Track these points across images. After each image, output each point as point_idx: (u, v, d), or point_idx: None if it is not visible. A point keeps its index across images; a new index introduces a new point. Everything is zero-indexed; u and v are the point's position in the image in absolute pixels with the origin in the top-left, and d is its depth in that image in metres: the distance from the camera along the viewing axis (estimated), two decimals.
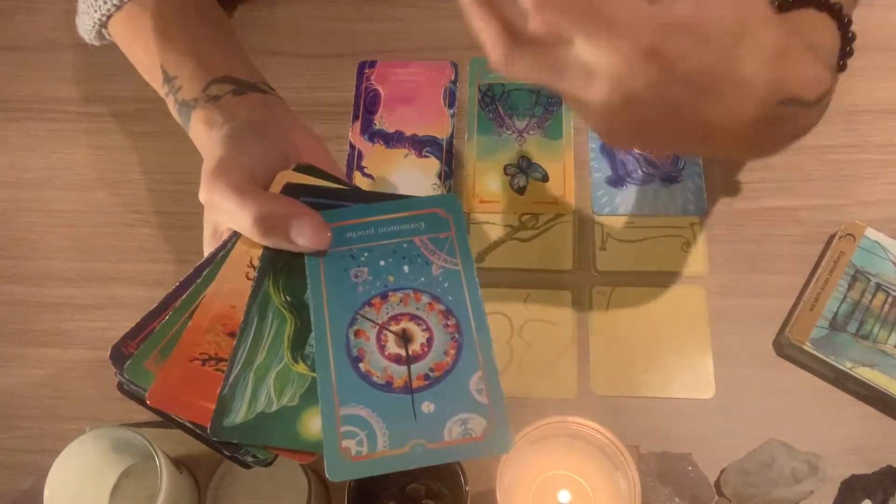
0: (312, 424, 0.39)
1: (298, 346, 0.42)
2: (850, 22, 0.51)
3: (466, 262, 0.43)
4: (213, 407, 0.40)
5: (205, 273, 0.43)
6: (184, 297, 0.43)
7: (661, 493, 0.55)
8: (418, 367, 0.40)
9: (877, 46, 0.69)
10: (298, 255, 0.44)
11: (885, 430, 0.57)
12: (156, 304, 0.43)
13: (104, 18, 0.60)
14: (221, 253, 0.44)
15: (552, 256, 0.63)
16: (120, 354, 0.41)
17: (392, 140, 0.69)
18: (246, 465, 0.41)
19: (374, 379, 0.40)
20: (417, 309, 0.42)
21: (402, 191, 0.66)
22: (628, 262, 0.63)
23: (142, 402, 0.41)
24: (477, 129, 0.69)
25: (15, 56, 0.74)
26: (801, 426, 0.57)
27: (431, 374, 0.40)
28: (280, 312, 0.42)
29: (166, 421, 0.41)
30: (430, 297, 0.42)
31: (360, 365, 0.40)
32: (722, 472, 0.56)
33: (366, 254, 0.43)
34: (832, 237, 0.62)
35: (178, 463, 0.54)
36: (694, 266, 0.63)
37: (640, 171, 0.66)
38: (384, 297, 0.42)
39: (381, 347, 0.41)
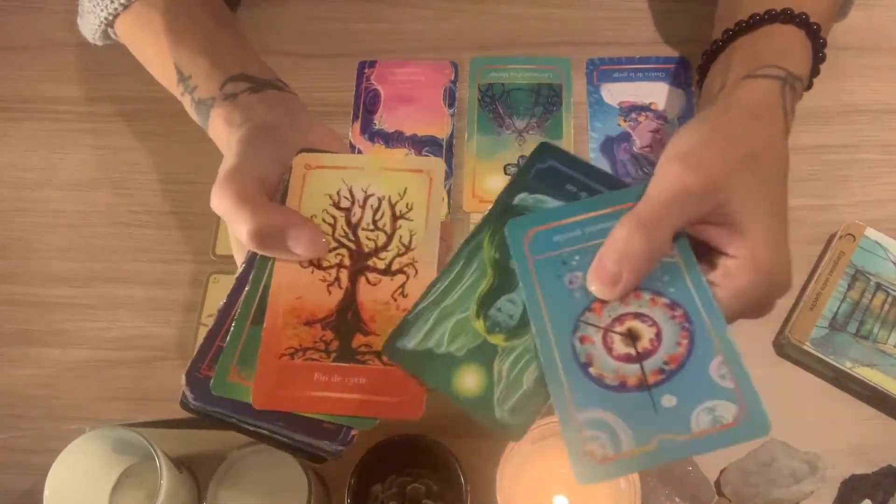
0: (467, 381, 0.41)
1: (487, 304, 0.42)
2: (819, 29, 0.53)
3: (684, 252, 0.42)
4: (318, 394, 0.41)
5: (251, 278, 0.45)
6: (238, 305, 0.44)
7: (661, 493, 0.55)
8: (651, 363, 0.39)
9: (877, 46, 0.69)
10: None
11: (885, 430, 0.57)
12: (211, 324, 0.44)
13: (111, 18, 0.60)
14: (254, 267, 0.45)
15: None
16: (196, 380, 0.42)
17: (392, 140, 0.69)
18: (319, 459, 0.43)
19: (607, 381, 0.39)
20: (640, 307, 0.41)
21: None
22: None
23: (221, 419, 0.42)
24: (477, 129, 0.69)
25: (15, 56, 0.74)
26: (801, 426, 0.57)
27: (666, 368, 0.39)
28: (484, 266, 0.43)
29: (236, 430, 0.43)
30: (651, 293, 0.41)
31: (591, 370, 0.39)
32: (722, 472, 0.56)
33: (577, 258, 0.42)
34: (832, 237, 0.62)
35: (178, 463, 0.54)
36: None
37: (640, 172, 0.66)
38: (603, 301, 0.41)
39: (609, 349, 0.40)
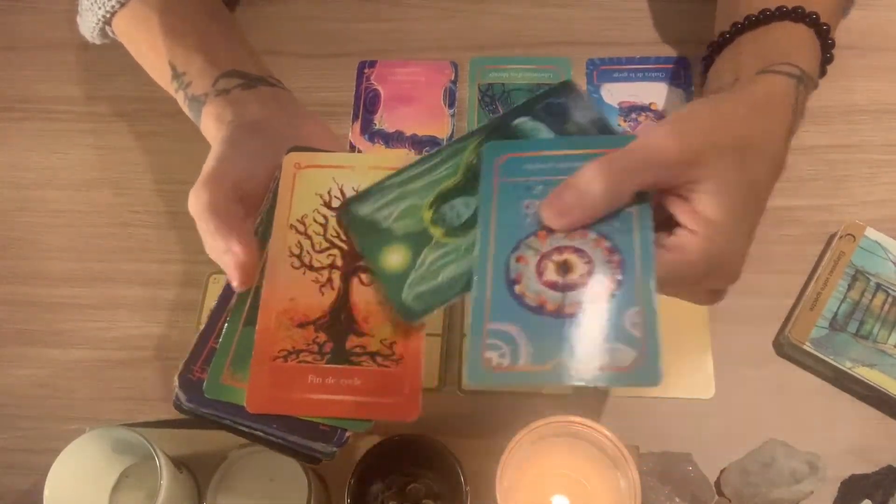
0: (393, 257, 0.43)
1: (443, 199, 0.44)
2: (828, 29, 0.53)
3: (643, 209, 0.42)
4: (312, 397, 0.42)
5: None
6: (230, 309, 0.44)
7: (661, 493, 0.55)
8: (573, 295, 0.40)
9: (877, 46, 0.69)
10: (518, 136, 0.46)
11: (885, 430, 0.57)
12: (204, 326, 0.44)
13: (108, 16, 0.61)
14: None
15: None
16: (190, 382, 0.42)
17: (392, 140, 0.69)
18: (315, 460, 0.42)
19: (527, 300, 0.40)
20: (582, 244, 0.41)
21: None
22: None
23: (215, 421, 0.42)
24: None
25: (15, 56, 0.74)
26: (801, 426, 0.57)
27: (585, 303, 0.39)
28: (457, 167, 0.45)
29: (229, 430, 0.43)
30: (597, 234, 0.41)
31: (516, 287, 0.40)
32: (722, 472, 0.56)
33: (540, 187, 0.43)
34: (832, 237, 0.62)
35: (178, 463, 0.54)
36: None
37: None
38: (551, 230, 0.42)
39: (540, 274, 0.41)
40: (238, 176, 0.47)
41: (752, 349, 0.60)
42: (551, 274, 0.40)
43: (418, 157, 0.45)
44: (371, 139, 0.69)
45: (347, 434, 0.42)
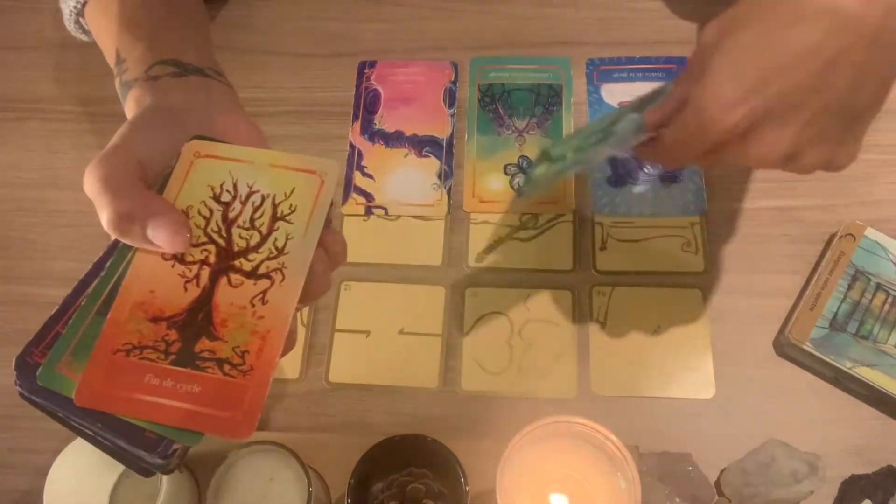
0: (539, 169, 0.57)
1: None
2: None
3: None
4: (144, 398, 0.39)
5: (107, 265, 0.42)
6: (87, 294, 0.41)
7: (661, 493, 0.55)
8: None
9: None
10: None
11: (885, 430, 0.57)
12: (54, 310, 0.41)
13: (79, 6, 0.61)
14: (114, 253, 0.43)
15: (552, 256, 0.63)
16: (26, 364, 0.39)
17: (392, 140, 0.69)
18: (145, 472, 0.40)
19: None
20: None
21: (399, 192, 0.66)
22: (628, 261, 0.63)
23: (50, 412, 0.40)
24: (477, 129, 0.69)
25: (15, 56, 0.74)
26: (801, 426, 0.57)
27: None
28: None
29: (71, 430, 0.40)
30: None
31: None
32: (722, 472, 0.56)
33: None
34: (832, 237, 0.62)
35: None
36: (694, 266, 0.63)
37: (640, 171, 0.66)
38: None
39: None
40: (138, 157, 0.44)
41: (752, 349, 0.60)
42: None
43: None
44: (371, 139, 0.69)
45: (176, 446, 0.39)
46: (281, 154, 0.45)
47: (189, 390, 0.39)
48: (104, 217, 0.42)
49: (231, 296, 0.41)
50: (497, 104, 0.70)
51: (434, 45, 0.72)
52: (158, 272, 0.41)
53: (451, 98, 0.70)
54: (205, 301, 0.41)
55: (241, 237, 0.43)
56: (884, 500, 0.54)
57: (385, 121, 0.69)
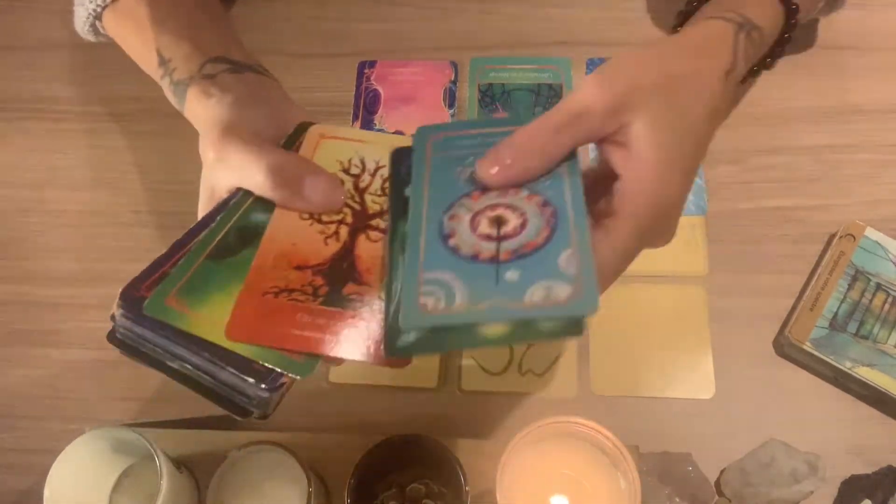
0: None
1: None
2: None
3: (572, 169, 0.43)
4: (297, 332, 0.40)
5: (219, 218, 0.44)
6: (198, 240, 0.43)
7: (661, 493, 0.55)
8: (508, 244, 0.40)
9: (877, 46, 0.70)
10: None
11: (885, 430, 0.57)
12: (165, 251, 0.43)
13: (98, 10, 0.61)
14: (226, 208, 0.45)
15: None
16: (132, 297, 0.41)
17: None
18: (245, 413, 0.41)
19: (461, 252, 0.40)
20: (516, 200, 0.42)
21: None
22: None
23: (147, 349, 0.41)
24: None
25: (15, 56, 0.74)
26: (801, 426, 0.57)
27: (520, 250, 0.40)
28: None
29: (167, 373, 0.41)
30: (529, 191, 0.42)
31: (450, 241, 0.41)
32: (722, 472, 0.56)
33: (471, 158, 0.44)
34: (832, 237, 0.62)
35: (178, 463, 0.54)
36: (694, 266, 0.63)
37: None
38: (483, 191, 0.42)
39: (474, 229, 0.41)
40: (256, 127, 0.47)
41: (752, 349, 0.60)
42: (485, 228, 0.41)
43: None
44: None
45: (284, 379, 0.40)
46: (398, 137, 0.49)
47: (340, 322, 0.41)
48: (261, 170, 0.44)
49: (372, 249, 0.44)
50: (497, 104, 0.70)
51: (434, 45, 0.72)
52: (298, 229, 0.44)
53: (451, 98, 0.70)
54: (347, 252, 0.44)
55: (374, 202, 0.46)
56: (884, 500, 0.54)
57: (385, 121, 0.69)
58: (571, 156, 0.43)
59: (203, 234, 0.43)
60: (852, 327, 0.58)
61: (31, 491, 0.58)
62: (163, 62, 0.55)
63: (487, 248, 0.40)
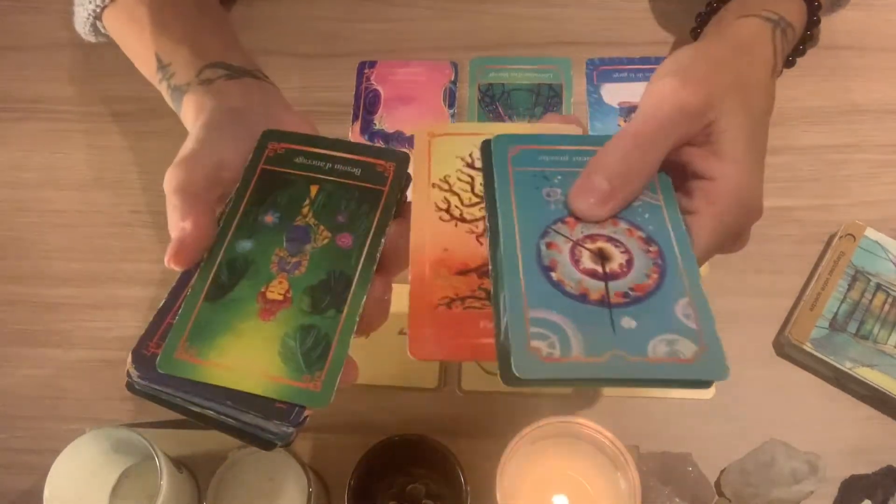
0: None
1: None
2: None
3: (668, 198, 0.41)
4: (483, 341, 0.38)
5: (209, 253, 0.43)
6: (191, 284, 0.43)
7: (661, 493, 0.55)
8: (617, 285, 0.37)
9: (877, 46, 0.70)
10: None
11: (885, 430, 0.57)
12: (163, 301, 0.43)
13: (98, 10, 0.61)
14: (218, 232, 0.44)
15: None
16: (143, 357, 0.41)
17: (392, 140, 0.69)
18: (269, 445, 0.41)
19: (568, 289, 0.37)
20: (615, 232, 0.39)
21: None
22: None
23: (167, 399, 0.41)
24: None
25: (15, 56, 0.74)
26: (801, 426, 0.57)
27: (632, 294, 0.37)
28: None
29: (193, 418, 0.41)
30: (628, 223, 0.39)
31: (553, 274, 0.38)
32: (722, 472, 0.56)
33: (559, 177, 0.41)
34: (832, 237, 0.62)
35: (178, 463, 0.54)
36: None
37: None
38: (579, 218, 0.39)
39: (576, 262, 0.38)
40: (216, 159, 0.46)
41: (752, 349, 0.60)
42: (588, 262, 0.38)
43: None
44: (371, 139, 0.69)
45: (306, 413, 0.40)
46: (514, 126, 0.48)
47: None
48: (171, 227, 0.43)
49: None
50: (497, 104, 0.70)
51: (434, 45, 0.72)
52: (444, 233, 0.42)
53: (451, 98, 0.70)
54: None
55: None
56: (884, 500, 0.54)
57: (385, 121, 0.69)
58: (666, 186, 0.41)
59: (195, 276, 0.43)
60: (852, 327, 0.58)
61: (31, 491, 0.58)
62: (162, 66, 0.55)
63: (596, 288, 0.37)
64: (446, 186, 0.44)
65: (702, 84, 0.42)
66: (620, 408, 0.59)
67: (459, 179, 0.44)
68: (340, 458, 0.51)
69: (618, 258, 0.38)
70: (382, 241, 0.44)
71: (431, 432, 0.52)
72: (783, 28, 0.51)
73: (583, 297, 0.37)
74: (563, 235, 0.39)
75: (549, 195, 0.41)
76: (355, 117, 0.70)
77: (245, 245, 0.44)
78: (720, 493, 0.56)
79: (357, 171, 0.46)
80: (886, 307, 0.58)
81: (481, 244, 0.41)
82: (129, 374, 0.41)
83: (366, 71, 0.71)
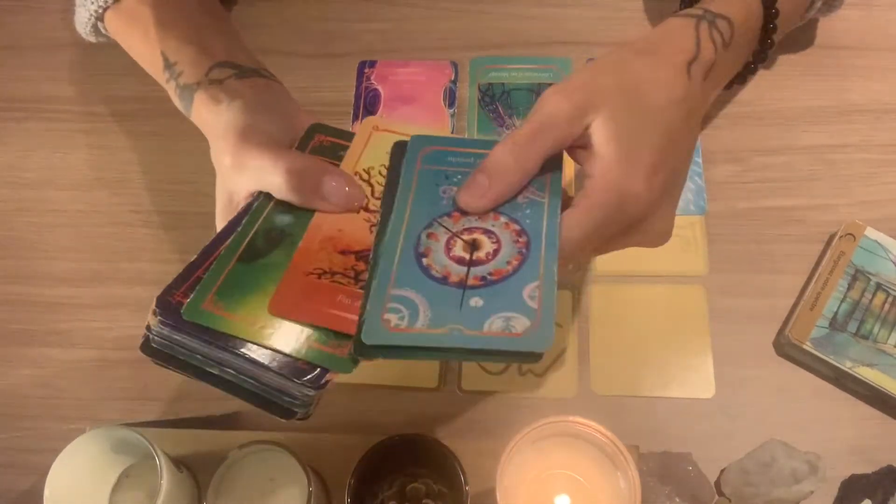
0: None
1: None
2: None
3: (554, 196, 0.45)
4: (336, 313, 0.42)
5: (244, 222, 0.45)
6: (227, 245, 0.44)
7: (661, 493, 0.55)
8: (477, 270, 0.42)
9: (877, 46, 0.70)
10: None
11: (885, 430, 0.57)
12: (194, 257, 0.44)
13: (100, 11, 0.61)
14: (249, 212, 0.46)
15: None
16: (168, 304, 0.41)
17: None
18: (290, 414, 0.42)
19: (432, 272, 0.42)
20: (493, 226, 0.44)
21: None
22: (628, 262, 0.63)
23: (177, 361, 0.42)
24: (477, 129, 0.69)
25: (15, 56, 0.74)
26: (801, 426, 0.57)
27: (488, 277, 0.42)
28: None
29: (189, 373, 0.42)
30: (508, 217, 0.44)
31: (424, 259, 0.42)
32: (722, 472, 0.56)
33: (459, 176, 0.46)
34: (832, 237, 0.62)
35: (178, 463, 0.54)
36: (694, 266, 0.63)
37: None
38: (464, 212, 0.44)
39: (448, 249, 0.43)
40: (269, 132, 0.48)
41: (752, 349, 0.60)
42: (459, 251, 0.43)
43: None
44: None
45: (328, 377, 0.40)
46: (442, 132, 0.52)
47: None
48: (280, 173, 0.45)
49: None
50: (497, 104, 0.70)
51: (434, 45, 0.72)
52: (346, 216, 0.46)
53: (451, 98, 0.70)
54: None
55: None
56: (884, 500, 0.54)
57: None
58: (556, 169, 0.45)
59: (231, 238, 0.45)
60: (852, 327, 0.58)
61: (31, 491, 0.58)
62: (168, 65, 0.55)
63: (457, 272, 0.42)
64: (366, 177, 0.49)
65: (578, 90, 0.44)
66: (620, 408, 0.59)
67: (380, 173, 0.49)
68: (340, 458, 0.51)
69: (486, 247, 0.43)
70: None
71: (431, 432, 0.52)
72: (710, 20, 0.51)
73: (443, 280, 0.42)
74: (444, 227, 0.44)
75: (445, 192, 0.45)
76: (355, 117, 0.70)
77: (284, 219, 0.46)
78: (720, 493, 0.56)
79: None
80: (886, 307, 0.58)
81: (372, 232, 0.46)
82: (147, 328, 0.42)
83: (366, 71, 0.72)
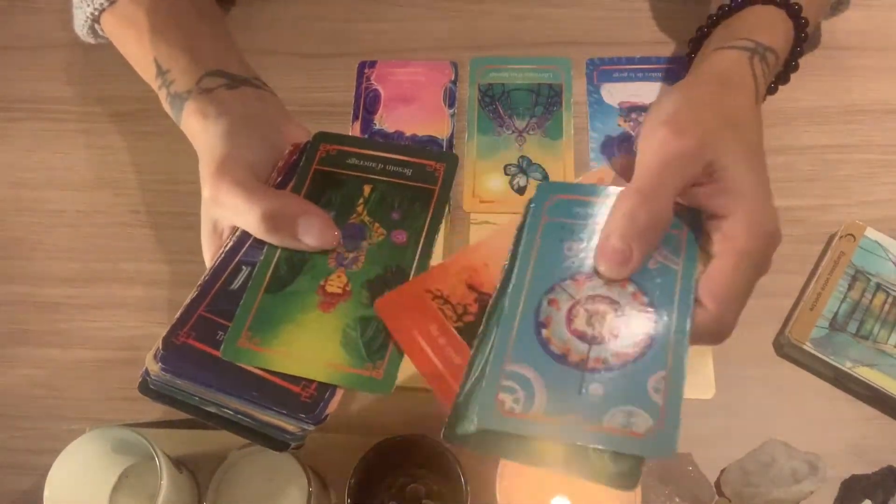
0: None
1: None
2: (799, 8, 0.54)
3: (688, 266, 0.42)
4: (418, 338, 0.41)
5: (265, 250, 0.45)
6: (253, 277, 0.44)
7: (661, 493, 0.55)
8: (599, 350, 0.39)
9: (877, 46, 0.69)
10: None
11: (885, 430, 0.57)
12: (192, 295, 0.44)
13: (96, 13, 0.61)
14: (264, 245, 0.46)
15: None
16: (173, 345, 0.41)
17: (392, 140, 0.69)
18: (283, 447, 0.42)
19: (552, 347, 0.39)
20: (620, 295, 0.40)
21: None
22: None
23: (174, 400, 0.42)
24: (477, 129, 0.69)
25: (15, 56, 0.74)
26: (801, 426, 0.57)
27: (610, 360, 0.38)
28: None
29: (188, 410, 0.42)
30: (636, 287, 0.41)
31: (543, 331, 0.40)
32: (722, 472, 0.56)
33: (584, 232, 0.43)
34: (832, 237, 0.62)
35: (178, 463, 0.54)
36: None
37: None
38: (590, 276, 0.41)
39: (570, 321, 0.40)
40: (250, 161, 0.47)
41: (752, 349, 0.60)
42: (582, 324, 0.40)
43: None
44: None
45: (328, 411, 0.41)
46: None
47: (452, 358, 0.41)
48: (254, 216, 0.44)
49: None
50: (497, 104, 0.70)
51: (434, 45, 0.72)
52: (499, 250, 0.44)
53: (451, 98, 0.70)
54: None
55: None
56: (884, 500, 0.54)
57: (385, 121, 0.69)
58: (694, 227, 0.42)
59: (255, 269, 0.44)
60: (852, 327, 0.58)
61: (31, 491, 0.58)
62: (160, 72, 0.55)
63: (578, 351, 0.39)
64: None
65: (692, 127, 0.42)
66: None
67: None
68: (340, 458, 0.51)
69: (610, 322, 0.39)
70: (436, 237, 0.46)
71: (431, 432, 0.51)
72: (761, 54, 0.51)
73: (562, 358, 0.39)
74: (567, 293, 0.41)
75: (570, 249, 0.42)
76: (355, 117, 0.70)
77: None
78: (720, 493, 0.56)
79: (408, 172, 0.48)
80: (886, 307, 0.58)
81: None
82: (146, 372, 0.42)
83: (366, 71, 0.71)
